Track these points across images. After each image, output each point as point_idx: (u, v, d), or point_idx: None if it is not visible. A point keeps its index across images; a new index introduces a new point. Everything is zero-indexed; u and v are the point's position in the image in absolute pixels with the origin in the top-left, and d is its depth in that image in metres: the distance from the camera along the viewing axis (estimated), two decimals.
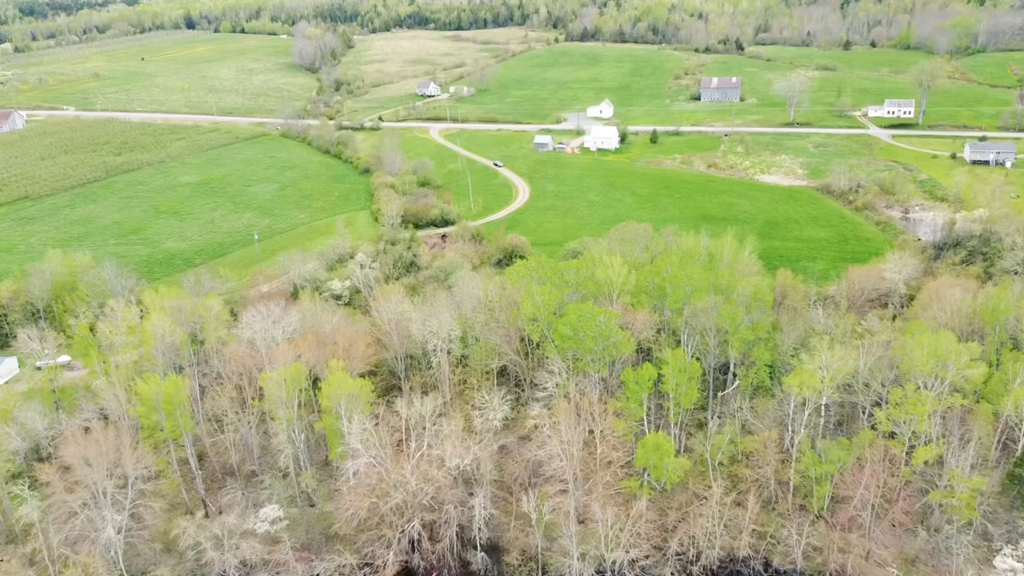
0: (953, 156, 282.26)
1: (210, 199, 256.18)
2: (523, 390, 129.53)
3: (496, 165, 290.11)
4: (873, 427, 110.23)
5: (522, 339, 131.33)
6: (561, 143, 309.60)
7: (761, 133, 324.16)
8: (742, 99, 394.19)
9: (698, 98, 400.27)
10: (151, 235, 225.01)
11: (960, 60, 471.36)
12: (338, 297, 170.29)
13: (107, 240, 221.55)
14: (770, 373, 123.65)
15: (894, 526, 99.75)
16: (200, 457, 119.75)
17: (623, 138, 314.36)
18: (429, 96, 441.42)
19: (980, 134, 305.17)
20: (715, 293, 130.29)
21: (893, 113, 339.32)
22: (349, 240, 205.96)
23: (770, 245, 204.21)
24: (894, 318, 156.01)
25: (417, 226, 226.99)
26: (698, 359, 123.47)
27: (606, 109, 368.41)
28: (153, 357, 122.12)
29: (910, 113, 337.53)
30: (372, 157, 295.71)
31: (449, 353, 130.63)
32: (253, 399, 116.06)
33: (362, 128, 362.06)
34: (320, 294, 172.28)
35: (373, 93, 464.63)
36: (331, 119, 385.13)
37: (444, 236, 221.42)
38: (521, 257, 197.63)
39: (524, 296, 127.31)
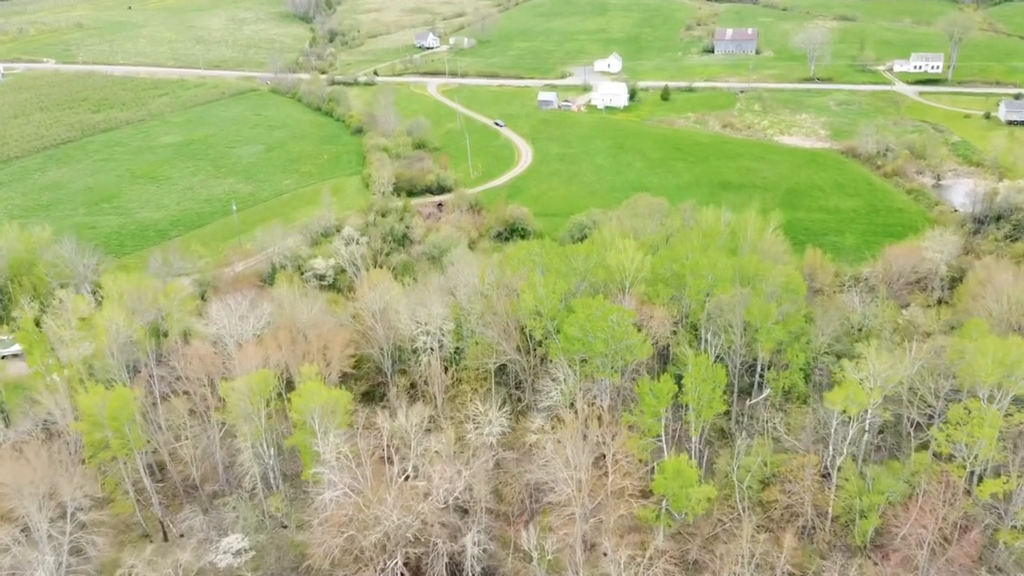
0: (987, 116, 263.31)
1: (190, 162, 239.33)
2: (523, 392, 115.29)
3: (497, 125, 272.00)
4: (924, 446, 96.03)
5: (523, 332, 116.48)
6: (566, 100, 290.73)
7: (779, 90, 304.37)
8: (758, 52, 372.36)
9: (711, 51, 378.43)
10: (124, 203, 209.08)
11: (988, 9, 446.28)
12: (321, 278, 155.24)
13: (76, 208, 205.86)
14: (804, 375, 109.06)
15: (951, 566, 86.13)
16: (161, 469, 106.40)
17: (632, 95, 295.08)
18: (427, 48, 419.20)
19: (1015, 91, 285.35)
20: (741, 283, 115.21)
21: (920, 68, 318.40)
22: (336, 211, 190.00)
23: (794, 217, 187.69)
24: (939, 303, 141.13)
25: (411, 193, 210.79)
26: (721, 359, 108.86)
27: (614, 63, 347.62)
28: (106, 356, 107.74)
29: (938, 68, 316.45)
30: (365, 116, 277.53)
31: (441, 348, 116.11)
32: (216, 408, 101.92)
33: (355, 83, 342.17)
34: (302, 274, 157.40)
35: (369, 45, 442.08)
36: (323, 73, 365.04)
37: (440, 205, 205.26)
38: (523, 231, 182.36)
39: (525, 287, 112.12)
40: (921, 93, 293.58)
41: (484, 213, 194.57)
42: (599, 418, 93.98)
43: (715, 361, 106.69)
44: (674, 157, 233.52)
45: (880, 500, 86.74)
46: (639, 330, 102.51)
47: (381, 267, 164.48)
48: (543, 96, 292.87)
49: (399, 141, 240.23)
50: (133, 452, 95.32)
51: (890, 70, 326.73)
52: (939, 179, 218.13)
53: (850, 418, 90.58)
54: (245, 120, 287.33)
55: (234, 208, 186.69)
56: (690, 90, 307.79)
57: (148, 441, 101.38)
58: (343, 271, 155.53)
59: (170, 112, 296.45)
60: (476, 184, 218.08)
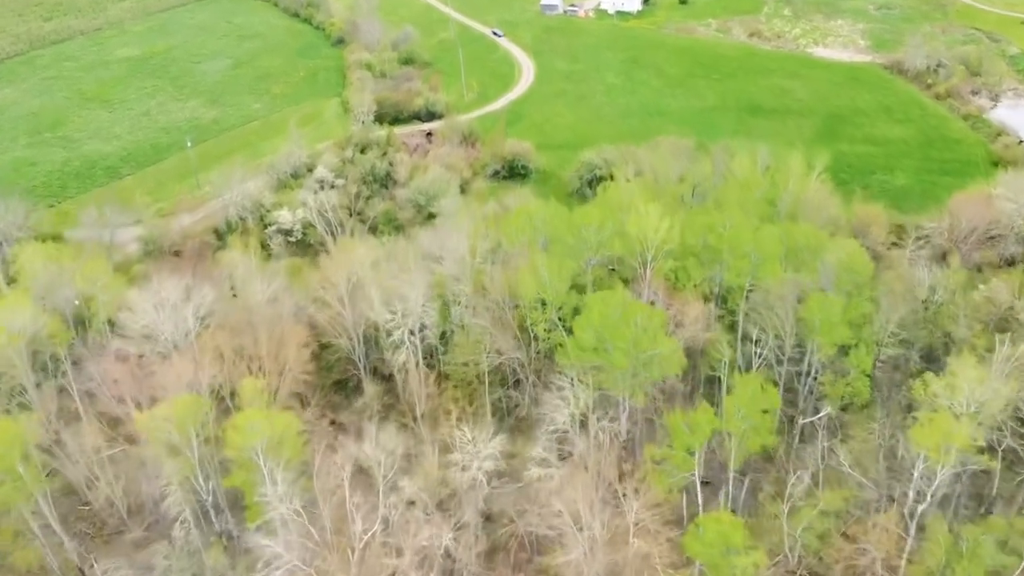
0: None
1: (149, 81, 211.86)
2: (523, 395, 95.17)
3: (495, 34, 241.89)
4: None
5: (523, 321, 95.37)
6: (573, 5, 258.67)
7: None
8: None
9: None
10: (71, 132, 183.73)
11: None
12: (288, 233, 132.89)
13: (17, 139, 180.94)
14: (870, 383, 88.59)
15: None
16: (84, 504, 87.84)
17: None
18: None
19: None
20: (790, 261, 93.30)
21: None
22: (309, 144, 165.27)
23: (836, 150, 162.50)
24: (1010, 264, 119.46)
25: (397, 120, 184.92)
26: (765, 363, 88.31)
27: None
28: (10, 361, 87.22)
29: None
30: (347, 23, 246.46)
31: (423, 340, 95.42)
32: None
33: None
34: (265, 227, 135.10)
35: None
36: None
37: (430, 134, 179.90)
38: (523, 169, 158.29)
39: (525, 271, 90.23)
40: None
41: (479, 146, 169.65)
42: (618, 456, 74.15)
43: (757, 365, 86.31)
44: (695, 74, 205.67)
45: (980, 573, 67.79)
46: (669, 334, 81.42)
47: (359, 215, 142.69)
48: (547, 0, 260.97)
49: (384, 56, 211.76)
50: (33, 494, 76.13)
51: None
52: (996, 100, 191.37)
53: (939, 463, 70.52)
54: (213, 28, 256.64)
55: (188, 145, 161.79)
56: None
57: (56, 473, 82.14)
58: (313, 226, 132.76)
59: (130, 19, 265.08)
60: (471, 108, 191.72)
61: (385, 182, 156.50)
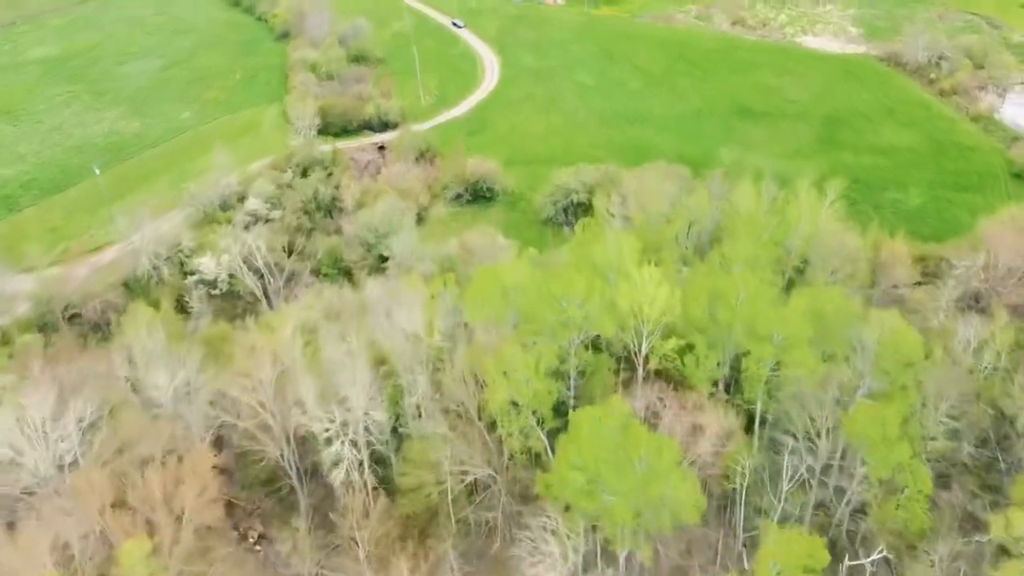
0: None
1: (64, 87, 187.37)
2: (497, 524, 76.41)
3: (455, 25, 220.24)
4: None
5: (494, 427, 76.56)
6: None
7: None
8: None
9: None
10: None
11: None
12: (211, 284, 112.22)
13: None
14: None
15: None
16: None
17: None
18: None
19: None
20: (818, 337, 75.56)
21: None
22: (243, 163, 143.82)
23: (839, 161, 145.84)
24: None
25: (346, 131, 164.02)
26: (798, 480, 70.76)
27: None
28: None
29: None
30: (293, 14, 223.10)
31: (369, 447, 76.45)
32: None
33: None
34: (185, 276, 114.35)
35: None
36: None
37: (382, 148, 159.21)
38: (488, 191, 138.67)
39: (492, 370, 71.28)
40: None
41: (438, 163, 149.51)
42: None
43: (790, 485, 68.88)
44: (677, 70, 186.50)
45: None
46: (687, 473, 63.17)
47: (300, 254, 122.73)
48: None
49: (331, 54, 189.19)
50: None
51: None
52: (1004, 95, 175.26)
53: None
54: (143, 21, 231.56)
55: (96, 172, 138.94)
56: None
57: None
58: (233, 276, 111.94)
59: (50, 11, 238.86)
60: (429, 115, 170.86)
61: (330, 210, 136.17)
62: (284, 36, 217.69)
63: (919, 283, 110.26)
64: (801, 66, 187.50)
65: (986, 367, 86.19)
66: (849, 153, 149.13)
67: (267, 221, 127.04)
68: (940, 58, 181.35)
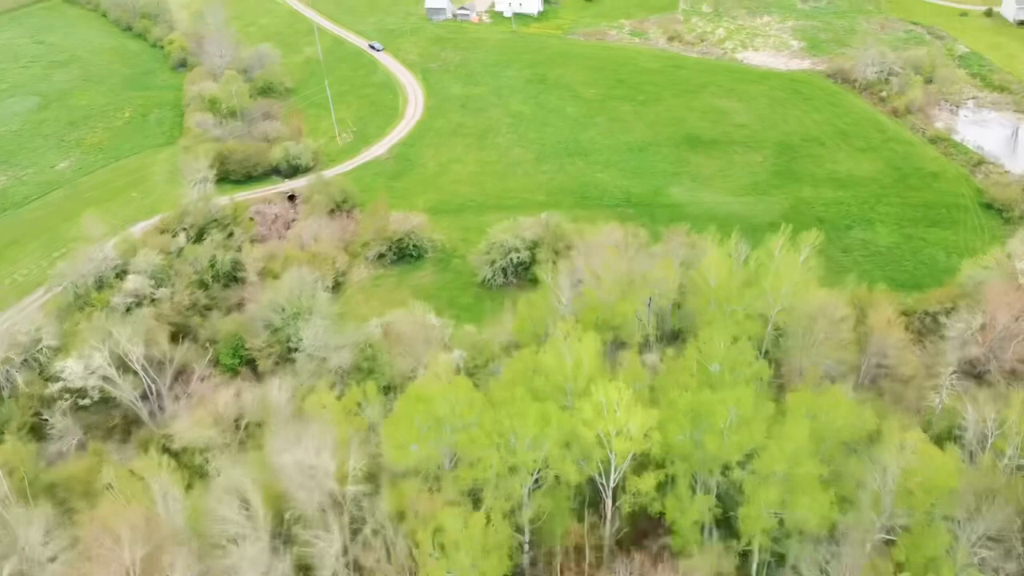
0: (989, 12, 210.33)
1: None
2: None
3: (373, 49, 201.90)
4: None
5: None
6: (463, 8, 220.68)
7: None
8: None
9: None
10: None
11: None
12: (80, 394, 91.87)
13: None
14: None
15: None
16: None
17: None
18: None
19: None
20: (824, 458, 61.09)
21: None
22: (123, 227, 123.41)
23: (797, 195, 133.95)
24: None
25: (250, 179, 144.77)
26: None
27: None
28: None
29: None
30: (191, 39, 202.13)
31: None
32: None
33: None
34: (47, 384, 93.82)
35: None
36: None
37: (293, 197, 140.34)
38: (415, 249, 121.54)
39: (427, 539, 54.32)
40: None
41: (358, 216, 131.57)
42: None
43: None
44: (616, 95, 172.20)
45: None
46: None
47: (194, 339, 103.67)
48: (433, 2, 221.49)
49: (233, 87, 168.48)
50: None
51: None
52: (956, 111, 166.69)
53: None
54: (19, 51, 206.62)
55: None
56: None
57: None
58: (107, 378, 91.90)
59: None
60: (346, 156, 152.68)
61: (231, 279, 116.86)
62: (181, 65, 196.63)
63: (916, 338, 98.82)
64: (746, 86, 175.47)
65: (1007, 463, 73.55)
66: (808, 186, 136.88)
67: (153, 301, 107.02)
68: (889, 74, 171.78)
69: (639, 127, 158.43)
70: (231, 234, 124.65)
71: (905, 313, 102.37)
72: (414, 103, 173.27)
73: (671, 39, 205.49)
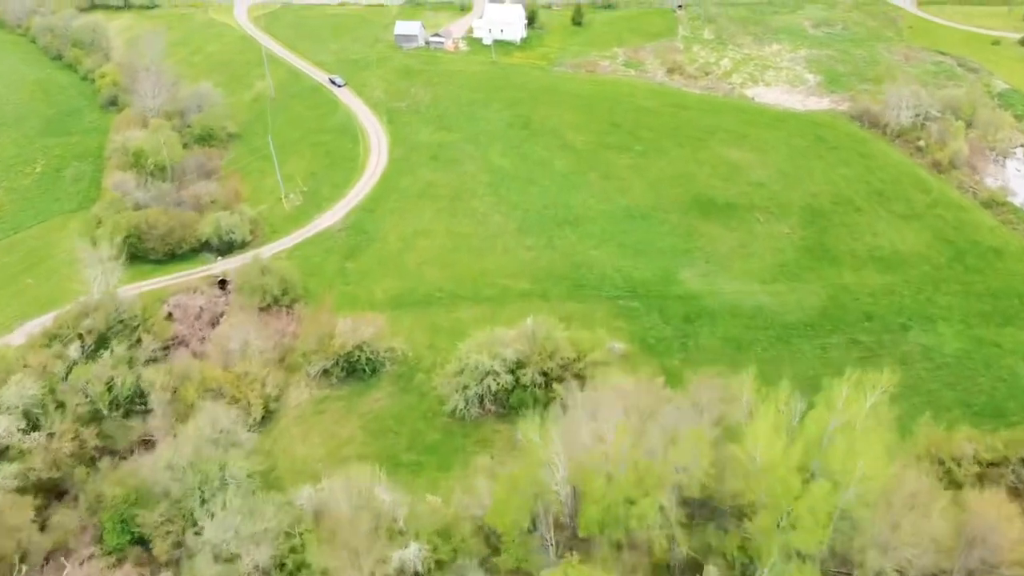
0: None
1: None
2: None
3: (334, 83, 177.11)
4: None
5: None
6: (437, 36, 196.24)
7: (730, 2, 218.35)
8: None
9: None
10: None
11: None
12: None
13: None
14: None
15: None
16: None
17: (532, 19, 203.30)
18: None
19: None
20: None
21: None
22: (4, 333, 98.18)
23: (836, 282, 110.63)
24: None
25: (174, 257, 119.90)
26: None
27: None
28: None
29: None
30: (125, 72, 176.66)
31: None
32: None
33: (126, 6, 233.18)
34: None
35: None
36: None
37: (224, 283, 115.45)
38: (370, 363, 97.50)
39: None
40: (919, 3, 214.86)
41: (300, 311, 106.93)
42: None
43: None
44: (610, 143, 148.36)
45: None
46: None
47: (75, 499, 79.28)
48: (403, 27, 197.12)
49: (163, 136, 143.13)
50: None
51: None
52: (1003, 162, 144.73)
53: None
54: None
55: None
56: (609, 6, 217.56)
57: None
58: None
59: None
60: (292, 225, 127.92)
61: (130, 410, 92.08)
62: (112, 104, 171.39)
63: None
64: (760, 131, 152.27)
65: None
66: (847, 268, 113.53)
67: (21, 453, 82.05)
68: (925, 118, 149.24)
69: (639, 186, 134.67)
70: (139, 340, 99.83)
71: (995, 463, 79.70)
72: (377, 153, 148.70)
73: (671, 71, 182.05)
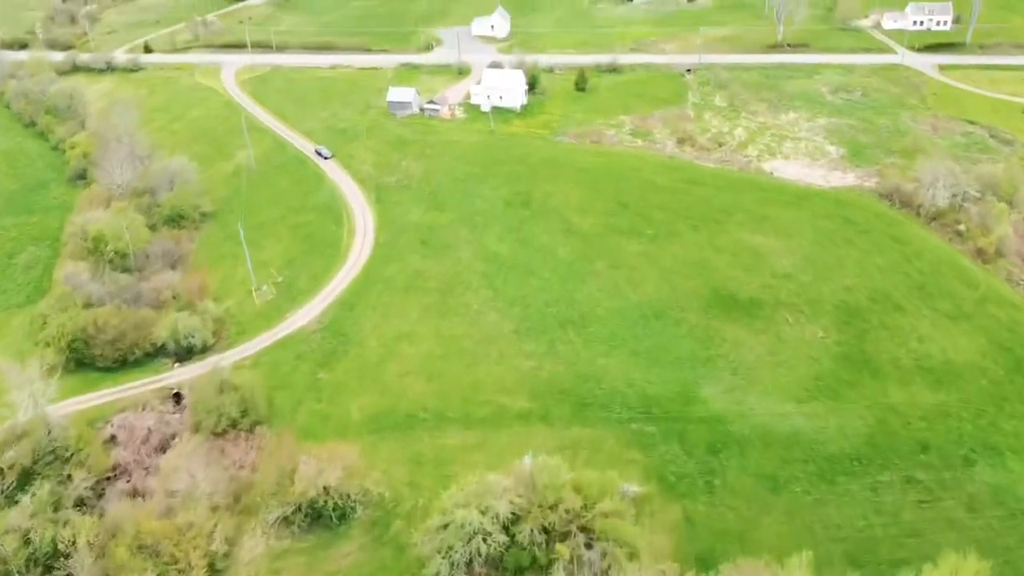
0: None
1: None
2: None
3: (320, 155, 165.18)
4: None
5: None
6: (432, 102, 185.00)
7: (742, 66, 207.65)
8: None
9: None
10: None
11: None
12: None
13: None
14: None
15: None
16: None
17: (533, 84, 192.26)
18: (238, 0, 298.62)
19: None
20: None
21: (922, 24, 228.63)
22: None
23: (881, 399, 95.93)
24: None
25: (125, 363, 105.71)
26: None
27: (499, 23, 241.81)
28: None
29: (947, 24, 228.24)
30: (97, 141, 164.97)
31: None
32: None
33: (108, 69, 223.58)
34: None
35: None
36: (69, 49, 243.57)
37: (179, 396, 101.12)
38: (337, 508, 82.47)
39: None
40: (941, 68, 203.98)
41: (261, 436, 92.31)
42: None
43: None
44: (619, 225, 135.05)
45: None
46: None
47: None
48: (397, 95, 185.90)
49: (123, 221, 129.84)
50: None
51: (877, 26, 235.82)
52: None
53: None
54: None
55: None
56: (614, 70, 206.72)
57: None
58: None
59: None
60: (262, 324, 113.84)
61: (51, 568, 76.92)
62: (81, 178, 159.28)
63: None
64: (782, 210, 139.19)
65: None
66: (894, 383, 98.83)
67: None
68: (963, 199, 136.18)
69: (651, 277, 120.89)
70: (69, 476, 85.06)
71: None
72: (362, 236, 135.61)
73: (681, 141, 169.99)
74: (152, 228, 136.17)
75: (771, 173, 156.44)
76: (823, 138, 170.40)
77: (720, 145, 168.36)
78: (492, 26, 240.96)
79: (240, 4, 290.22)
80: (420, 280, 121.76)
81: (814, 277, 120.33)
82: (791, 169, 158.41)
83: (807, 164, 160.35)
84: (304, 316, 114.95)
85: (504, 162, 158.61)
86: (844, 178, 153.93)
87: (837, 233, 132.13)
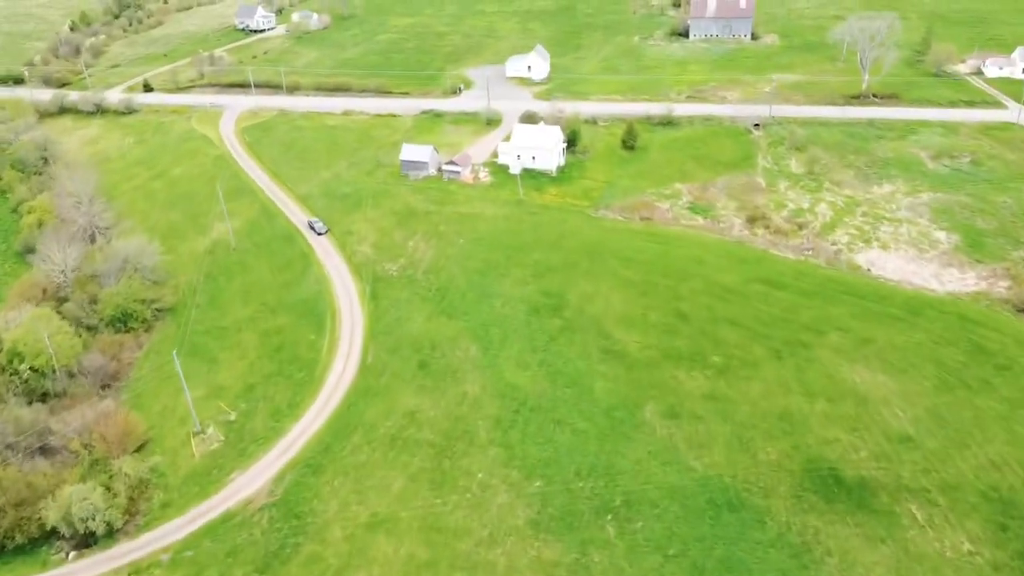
0: None
1: None
2: None
3: (313, 229, 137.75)
4: None
5: None
6: (452, 162, 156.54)
7: (819, 120, 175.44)
8: (755, 36, 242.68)
9: (685, 34, 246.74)
10: None
11: None
12: None
13: None
14: None
15: None
16: None
17: (572, 140, 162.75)
18: (254, 32, 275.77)
19: None
20: None
21: None
22: None
23: None
24: None
25: (3, 550, 77.70)
26: None
27: (537, 64, 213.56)
28: None
29: None
30: (60, 206, 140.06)
31: None
32: None
33: (98, 111, 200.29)
34: None
35: (172, 26, 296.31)
36: (63, 87, 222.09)
37: None
38: None
39: None
40: None
41: None
42: None
43: None
44: (675, 349, 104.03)
45: None
46: None
47: None
48: (411, 153, 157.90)
49: (45, 330, 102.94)
50: None
51: (979, 73, 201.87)
52: None
53: None
54: None
55: None
56: (669, 123, 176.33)
57: None
58: None
59: None
60: (195, 494, 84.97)
61: None
62: (31, 252, 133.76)
63: None
64: (888, 331, 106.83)
65: None
66: None
67: None
68: None
69: (721, 436, 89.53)
70: None
71: None
72: (346, 351, 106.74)
73: (752, 221, 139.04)
74: (92, 330, 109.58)
75: (868, 270, 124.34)
76: (928, 220, 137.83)
77: (800, 228, 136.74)
78: (529, 67, 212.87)
79: (257, 37, 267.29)
80: (412, 427, 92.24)
81: (943, 442, 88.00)
82: (892, 263, 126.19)
83: (913, 257, 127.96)
84: (253, 480, 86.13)
85: (533, 247, 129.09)
86: (964, 280, 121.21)
87: (967, 369, 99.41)
